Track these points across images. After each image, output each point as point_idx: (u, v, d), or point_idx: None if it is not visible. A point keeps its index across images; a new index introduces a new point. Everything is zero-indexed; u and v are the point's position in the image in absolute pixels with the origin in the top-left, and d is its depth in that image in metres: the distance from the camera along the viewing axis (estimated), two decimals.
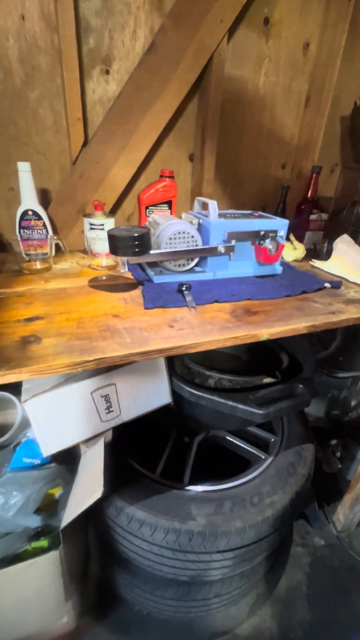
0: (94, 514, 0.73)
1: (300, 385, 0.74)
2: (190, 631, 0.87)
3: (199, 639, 0.85)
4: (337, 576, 1.00)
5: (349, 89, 1.16)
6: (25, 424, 0.78)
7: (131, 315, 0.57)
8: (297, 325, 0.57)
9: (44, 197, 0.91)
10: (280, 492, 0.72)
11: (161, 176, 0.88)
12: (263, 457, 0.81)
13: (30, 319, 0.53)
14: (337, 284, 0.76)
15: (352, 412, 1.40)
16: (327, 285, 0.75)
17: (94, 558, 0.95)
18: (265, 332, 0.54)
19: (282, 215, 1.07)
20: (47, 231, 0.81)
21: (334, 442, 1.32)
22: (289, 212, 1.10)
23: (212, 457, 0.86)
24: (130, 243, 0.60)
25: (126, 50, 0.85)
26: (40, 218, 0.80)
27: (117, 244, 0.60)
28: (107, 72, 0.86)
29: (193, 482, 0.74)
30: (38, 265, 0.77)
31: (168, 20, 0.83)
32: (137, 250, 0.61)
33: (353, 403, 1.41)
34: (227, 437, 0.85)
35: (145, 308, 0.60)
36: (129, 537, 0.67)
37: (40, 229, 0.80)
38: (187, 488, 0.73)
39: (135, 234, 0.60)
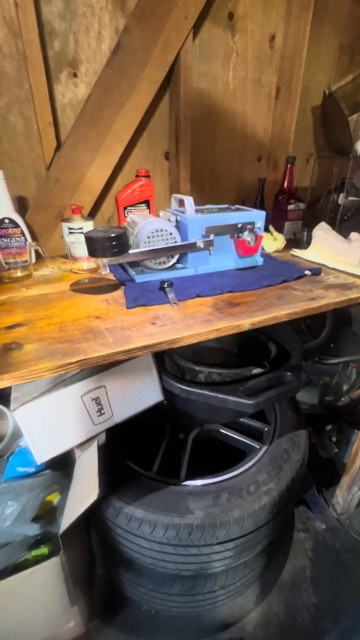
0: (94, 517, 0.73)
1: (289, 373, 0.75)
2: (199, 625, 0.87)
3: (209, 632, 0.86)
4: (340, 557, 1.02)
5: (318, 79, 1.17)
6: (17, 433, 0.78)
7: (113, 316, 0.57)
8: (278, 313, 0.58)
9: (21, 204, 0.90)
10: (276, 479, 0.73)
11: (137, 176, 0.88)
12: (257, 447, 0.82)
13: (11, 327, 0.53)
14: (317, 270, 0.77)
15: (345, 397, 1.42)
16: (307, 272, 0.76)
17: (99, 561, 0.95)
18: (247, 322, 0.55)
19: (261, 207, 1.08)
20: (25, 238, 0.80)
21: (329, 427, 1.34)
22: (268, 203, 1.11)
23: (208, 451, 0.87)
24: (108, 244, 0.60)
25: (92, 52, 0.85)
26: (17, 226, 0.79)
27: (94, 245, 0.60)
28: (75, 75, 0.86)
29: (190, 477, 0.75)
30: (19, 273, 0.76)
31: (132, 20, 0.83)
32: (115, 250, 0.61)
33: (345, 388, 1.44)
34: (221, 430, 0.86)
35: (128, 307, 0.60)
36: (130, 536, 0.67)
37: (18, 237, 0.79)
38: (184, 483, 0.73)
39: (112, 235, 0.60)
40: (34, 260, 0.81)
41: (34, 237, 0.90)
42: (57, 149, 0.88)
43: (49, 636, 0.70)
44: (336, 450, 1.28)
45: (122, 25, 0.84)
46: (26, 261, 0.78)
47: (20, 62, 0.79)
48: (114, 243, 0.60)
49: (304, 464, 0.81)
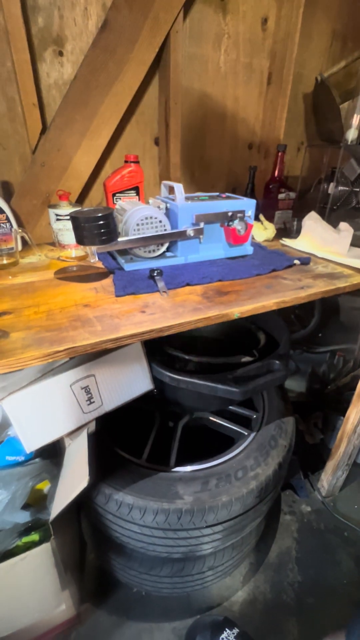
0: (85, 504, 0.74)
1: (277, 362, 0.76)
2: (188, 605, 0.90)
3: (197, 611, 0.89)
4: (324, 538, 1.06)
5: (310, 66, 1.16)
6: (6, 423, 0.77)
7: (102, 304, 0.57)
8: (267, 302, 0.58)
9: (6, 190, 0.87)
10: (264, 465, 0.75)
11: (126, 162, 0.86)
12: (246, 434, 0.83)
13: None
14: (306, 260, 0.78)
15: (332, 385, 1.46)
16: (296, 262, 0.77)
17: (90, 546, 0.96)
18: (236, 310, 0.55)
19: (252, 195, 1.08)
20: (10, 225, 0.78)
21: (316, 414, 1.37)
22: (258, 192, 1.11)
23: (197, 439, 0.88)
24: (96, 231, 0.59)
25: (79, 29, 0.82)
26: (2, 212, 0.77)
27: (82, 232, 0.59)
28: (61, 53, 0.82)
29: (179, 463, 0.76)
30: (4, 261, 0.74)
31: None
32: (103, 238, 0.60)
33: (332, 376, 1.47)
34: (211, 418, 0.87)
35: (117, 296, 0.59)
36: (120, 521, 0.68)
37: (3, 223, 0.77)
38: (173, 470, 0.74)
39: (99, 214, 0.58)
40: (20, 247, 0.79)
41: (20, 224, 0.87)
42: (43, 131, 0.85)
43: (40, 620, 0.72)
44: (322, 437, 1.31)
45: (109, 1, 0.81)
46: (12, 248, 0.76)
47: (2, 38, 0.75)
48: (102, 230, 0.59)
49: (291, 449, 0.83)
